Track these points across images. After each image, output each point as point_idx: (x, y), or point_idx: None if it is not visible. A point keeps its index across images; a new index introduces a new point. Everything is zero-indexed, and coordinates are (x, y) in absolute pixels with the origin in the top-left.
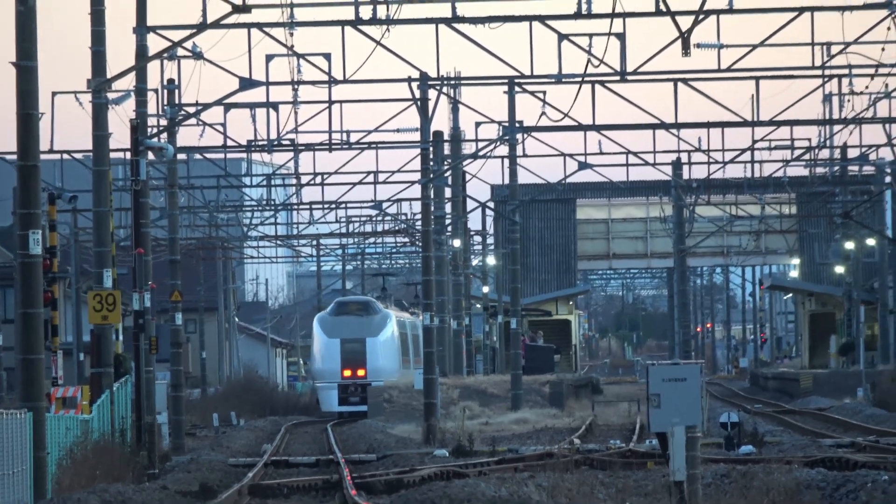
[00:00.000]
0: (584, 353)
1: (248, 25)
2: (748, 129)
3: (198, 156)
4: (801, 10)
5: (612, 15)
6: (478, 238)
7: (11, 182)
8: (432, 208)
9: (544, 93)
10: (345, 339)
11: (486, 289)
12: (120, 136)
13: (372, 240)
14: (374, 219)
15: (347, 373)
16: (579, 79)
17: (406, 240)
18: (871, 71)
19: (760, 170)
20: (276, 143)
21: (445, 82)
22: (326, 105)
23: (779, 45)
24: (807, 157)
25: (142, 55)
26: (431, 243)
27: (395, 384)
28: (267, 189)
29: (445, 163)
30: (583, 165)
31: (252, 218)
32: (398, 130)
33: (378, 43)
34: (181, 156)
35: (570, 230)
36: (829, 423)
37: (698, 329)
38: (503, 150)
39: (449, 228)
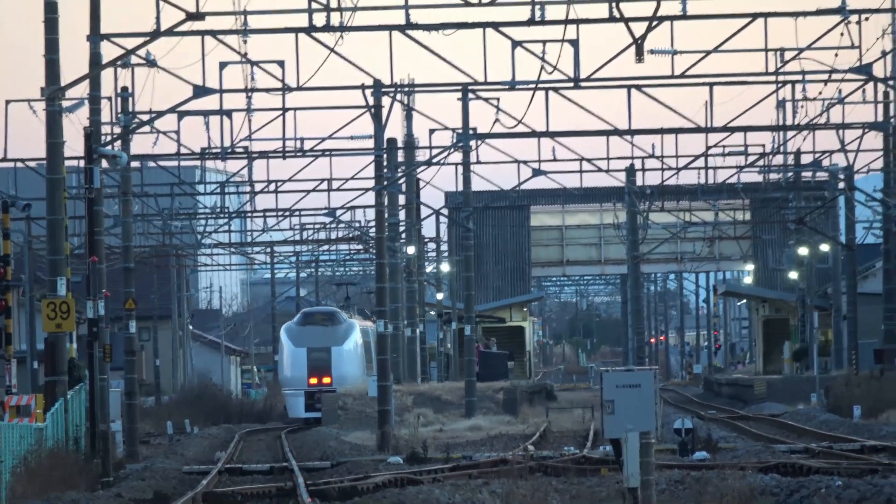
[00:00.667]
0: (538, 359)
1: (202, 33)
2: (702, 135)
3: (152, 163)
4: (755, 16)
5: (566, 21)
6: (432, 245)
7: None
8: (386, 215)
9: (498, 99)
10: (311, 349)
11: (440, 296)
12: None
13: (326, 247)
14: (328, 226)
15: (314, 380)
16: (533, 85)
17: (360, 247)
18: (825, 77)
19: (714, 176)
20: (229, 150)
21: (399, 89)
22: (280, 112)
23: (732, 52)
24: (760, 163)
25: (95, 63)
26: (385, 250)
27: (350, 391)
28: (221, 196)
29: (399, 170)
30: (537, 172)
31: (206, 225)
32: (352, 137)
33: (332, 50)
34: (135, 163)
35: (524, 237)
36: (783, 428)
37: (652, 340)
38: (457, 156)
39: (403, 235)
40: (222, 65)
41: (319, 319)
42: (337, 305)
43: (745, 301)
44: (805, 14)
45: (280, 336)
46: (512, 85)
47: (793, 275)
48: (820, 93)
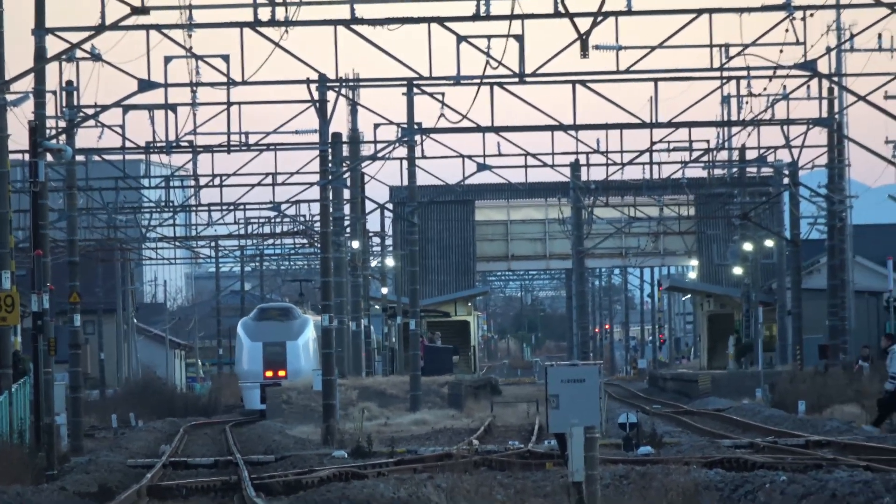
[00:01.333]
0: (483, 354)
1: (147, 27)
2: (647, 130)
3: (96, 157)
4: (700, 11)
5: (511, 17)
6: (377, 240)
7: None
8: (331, 210)
9: (443, 94)
10: (267, 343)
11: (384, 290)
12: (18, 138)
13: (271, 241)
14: (272, 220)
15: (269, 374)
16: (478, 80)
17: (305, 241)
18: (770, 73)
19: (659, 171)
20: (174, 144)
21: (344, 84)
22: (225, 107)
23: (677, 47)
24: (705, 158)
25: (40, 57)
26: (330, 245)
27: (294, 385)
28: (165, 190)
29: (344, 164)
30: (481, 167)
31: (150, 219)
32: (297, 132)
33: (276, 45)
34: (80, 157)
35: (469, 232)
36: (728, 423)
37: (596, 330)
38: (402, 151)
39: (348, 230)
40: (167, 59)
41: (275, 315)
42: (282, 299)
43: (689, 296)
44: (750, 10)
45: (237, 331)
46: (457, 80)
47: (737, 270)
48: (765, 89)
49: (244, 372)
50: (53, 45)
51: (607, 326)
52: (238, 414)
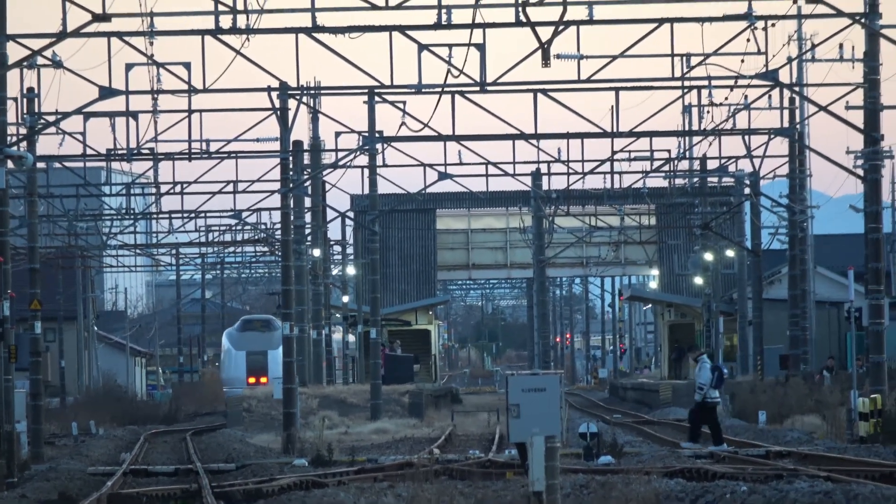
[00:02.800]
0: (443, 363)
1: (108, 34)
2: (608, 139)
3: (57, 164)
4: (661, 21)
5: (472, 25)
6: (338, 248)
7: None
8: (292, 218)
9: (404, 103)
10: (249, 352)
11: (345, 298)
12: None
13: (231, 249)
14: (233, 228)
15: (252, 380)
16: (439, 89)
17: (266, 249)
18: (731, 82)
19: (620, 181)
20: (135, 151)
21: (305, 92)
22: (186, 114)
23: (638, 57)
24: (666, 168)
25: (1, 64)
26: (291, 253)
27: (254, 394)
28: (126, 198)
29: (305, 172)
30: (443, 176)
31: (111, 227)
32: (258, 140)
33: (238, 52)
34: (41, 164)
35: (430, 240)
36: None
37: (557, 339)
38: (363, 159)
39: (309, 238)
40: (128, 66)
41: (257, 326)
42: (243, 308)
43: (650, 306)
44: (711, 20)
45: (222, 340)
46: (418, 88)
47: (698, 280)
48: (726, 98)
49: (228, 379)
50: (14, 52)
51: (567, 336)
52: (223, 416)
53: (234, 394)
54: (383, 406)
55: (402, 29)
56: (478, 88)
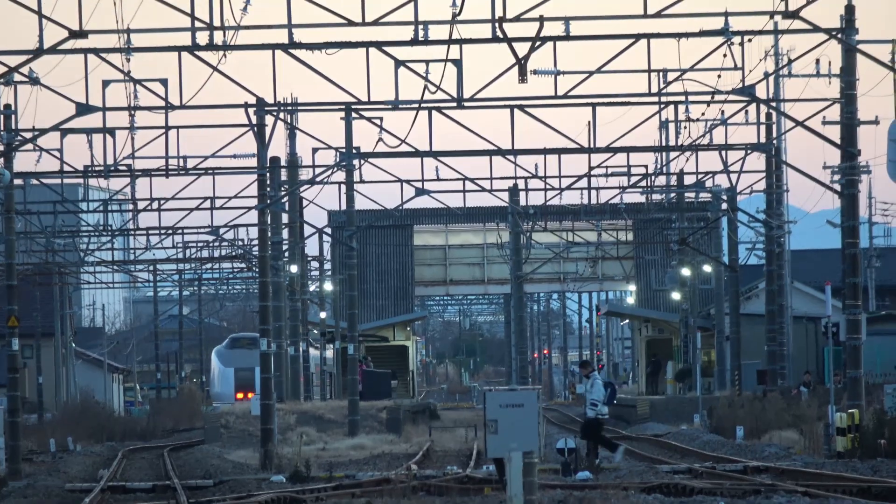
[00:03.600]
0: (421, 378)
1: (85, 51)
2: (585, 155)
3: (34, 181)
4: (638, 37)
5: (449, 41)
6: (315, 264)
7: None
8: (269, 234)
9: (381, 119)
10: (238, 368)
11: (323, 314)
12: None
13: (209, 265)
14: (210, 244)
15: (240, 395)
16: (416, 105)
17: (243, 265)
18: (708, 98)
19: (597, 196)
20: (112, 168)
21: (282, 108)
22: (163, 130)
23: (615, 72)
24: (643, 183)
25: None
26: (268, 269)
27: (233, 410)
28: (104, 214)
29: (282, 189)
30: (420, 192)
31: (89, 243)
32: (235, 156)
33: (215, 69)
34: (18, 181)
35: (408, 256)
36: (666, 449)
37: (535, 355)
38: (340, 175)
39: (286, 254)
40: (105, 83)
41: (245, 344)
42: (220, 324)
43: (627, 321)
44: (688, 35)
45: (212, 357)
46: (395, 104)
47: (675, 295)
48: (703, 114)
49: (218, 394)
50: None
51: (546, 352)
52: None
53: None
54: (361, 422)
55: (379, 45)
56: (455, 104)
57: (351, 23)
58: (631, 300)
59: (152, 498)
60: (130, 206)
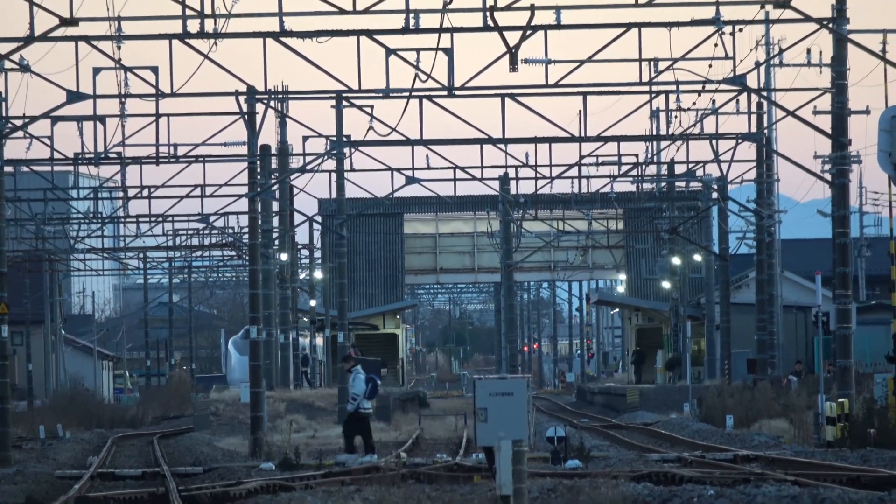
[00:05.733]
0: (411, 366)
1: (76, 38)
2: (575, 144)
3: (25, 168)
4: (629, 26)
5: (440, 30)
6: (305, 252)
7: None
8: (259, 222)
9: (372, 107)
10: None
11: (313, 302)
12: None
13: (199, 253)
14: (201, 232)
15: None
16: (407, 93)
17: (233, 253)
18: (699, 87)
19: (588, 185)
20: (103, 155)
21: (273, 96)
22: (154, 118)
23: (606, 61)
24: (634, 172)
25: None
26: (258, 257)
27: (222, 398)
28: (94, 202)
29: (273, 177)
30: (410, 180)
31: (79, 231)
32: (225, 144)
33: (206, 56)
34: (8, 168)
35: (398, 244)
36: (656, 437)
37: (525, 348)
38: (330, 164)
39: (276, 242)
40: (96, 70)
41: None
42: (210, 311)
43: (617, 310)
44: (679, 24)
45: (228, 347)
46: (386, 93)
47: (666, 284)
48: (694, 103)
49: (234, 381)
50: None
51: (535, 346)
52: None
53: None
54: None
55: (370, 33)
56: (446, 93)
57: (342, 11)
58: (621, 289)
59: (142, 485)
60: (120, 194)
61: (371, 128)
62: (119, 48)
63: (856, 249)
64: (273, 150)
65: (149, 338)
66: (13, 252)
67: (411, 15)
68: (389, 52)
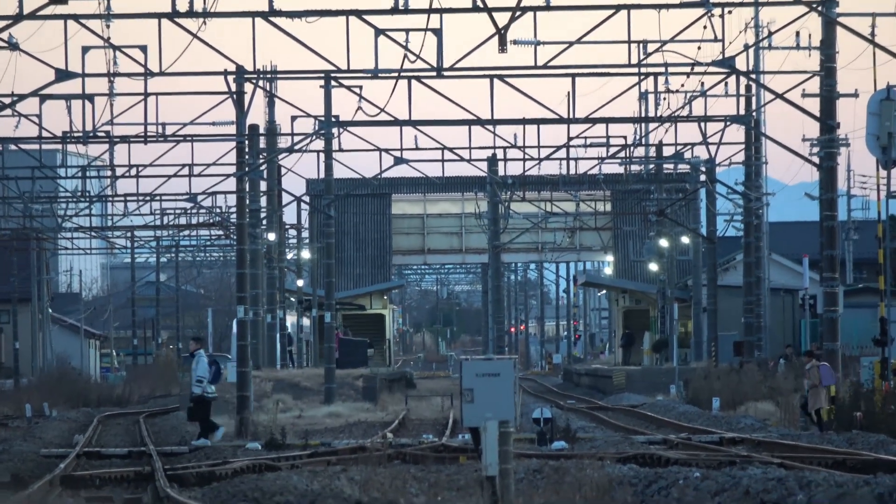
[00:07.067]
0: (398, 347)
1: (65, 17)
2: (564, 126)
3: (13, 147)
4: (618, 7)
5: (430, 10)
6: (293, 232)
7: None
8: (247, 202)
9: (360, 87)
10: None
11: (300, 282)
12: None
13: (187, 232)
14: (188, 211)
15: None
16: (396, 74)
17: (221, 233)
18: (687, 69)
19: (576, 167)
20: (91, 134)
21: (261, 76)
22: (142, 97)
23: (595, 43)
24: (622, 154)
25: None
26: (246, 237)
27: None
28: (82, 181)
29: (261, 156)
30: (398, 160)
31: (66, 209)
32: (214, 123)
33: (195, 36)
34: None
35: (386, 225)
36: (642, 419)
37: (512, 330)
38: (319, 144)
39: (264, 222)
40: (85, 49)
41: None
42: (197, 290)
43: (605, 292)
44: (668, 6)
45: (233, 329)
46: (375, 73)
47: (653, 266)
48: (682, 85)
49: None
50: None
51: (522, 328)
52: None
53: None
54: (337, 390)
55: (359, 13)
56: (434, 74)
57: None
58: (608, 271)
59: (128, 464)
60: (108, 173)
61: (360, 108)
62: (108, 27)
63: (843, 232)
64: (261, 130)
65: (136, 317)
66: (1, 230)
67: None
68: (378, 32)
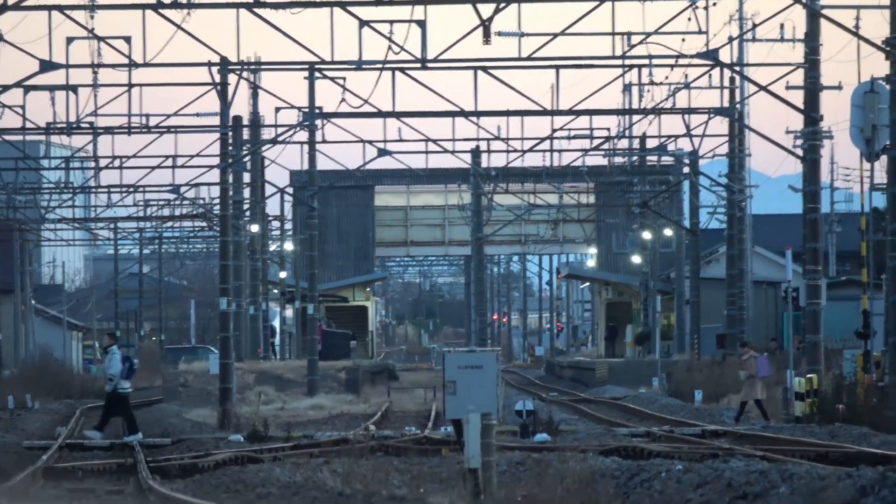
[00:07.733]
0: (380, 339)
1: (49, 8)
2: (547, 117)
3: None
4: None
5: (414, 1)
6: (276, 223)
7: None
8: (230, 193)
9: (344, 79)
10: None
11: (283, 274)
12: None
13: (170, 224)
14: (172, 203)
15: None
16: (380, 65)
17: (204, 224)
18: (671, 61)
19: (559, 159)
20: (75, 125)
21: (246, 67)
22: (126, 88)
23: (579, 35)
24: (606, 146)
25: None
26: (229, 228)
27: (191, 369)
28: (65, 172)
29: (244, 148)
30: (382, 152)
31: (50, 200)
32: (198, 115)
33: (179, 27)
34: None
35: (369, 217)
36: (625, 412)
37: (494, 317)
38: (302, 135)
39: (247, 213)
40: (69, 40)
41: None
42: (181, 282)
43: (587, 284)
44: None
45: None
46: (359, 65)
47: (636, 258)
48: (666, 77)
49: None
50: None
51: (505, 319)
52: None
53: None
54: (320, 382)
55: (344, 5)
56: (419, 65)
57: None
58: (591, 263)
59: (110, 456)
60: (92, 164)
61: (343, 100)
62: (92, 17)
63: (826, 225)
64: (245, 122)
65: (119, 308)
66: None
67: None
68: (363, 23)
